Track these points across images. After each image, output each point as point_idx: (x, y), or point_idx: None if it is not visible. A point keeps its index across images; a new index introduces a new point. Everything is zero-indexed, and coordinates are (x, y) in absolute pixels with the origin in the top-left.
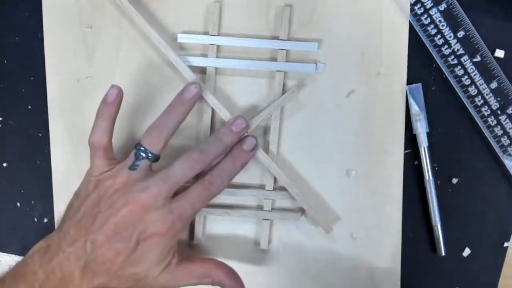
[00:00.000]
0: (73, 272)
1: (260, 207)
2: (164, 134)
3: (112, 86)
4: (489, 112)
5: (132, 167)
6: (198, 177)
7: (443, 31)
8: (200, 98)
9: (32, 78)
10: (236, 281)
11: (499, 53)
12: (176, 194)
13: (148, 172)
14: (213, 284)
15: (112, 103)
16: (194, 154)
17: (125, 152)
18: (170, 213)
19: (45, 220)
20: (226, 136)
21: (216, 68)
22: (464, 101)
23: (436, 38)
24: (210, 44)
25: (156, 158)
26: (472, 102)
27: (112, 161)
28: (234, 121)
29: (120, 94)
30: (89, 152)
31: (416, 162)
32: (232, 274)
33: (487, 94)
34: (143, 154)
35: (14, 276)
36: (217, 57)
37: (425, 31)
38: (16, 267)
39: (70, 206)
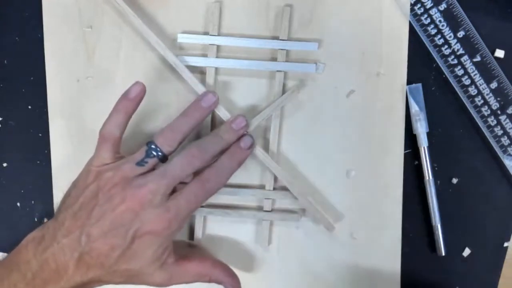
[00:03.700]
0: (68, 263)
1: (260, 207)
2: (178, 137)
3: (137, 82)
4: (489, 112)
5: (141, 163)
6: (196, 174)
7: (443, 31)
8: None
9: (32, 78)
10: (233, 279)
11: (499, 53)
12: (174, 190)
13: (150, 169)
14: (210, 282)
15: (132, 99)
16: (193, 150)
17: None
18: (167, 212)
19: (45, 220)
20: (225, 133)
21: (216, 68)
22: (464, 101)
23: (436, 38)
24: (210, 44)
25: (165, 159)
26: (472, 102)
27: (116, 155)
28: (234, 120)
29: (143, 91)
30: (89, 152)
31: (416, 162)
32: (229, 272)
33: (487, 94)
34: (154, 153)
35: (7, 265)
36: (217, 57)
37: (425, 31)
38: (10, 256)
39: (67, 196)
